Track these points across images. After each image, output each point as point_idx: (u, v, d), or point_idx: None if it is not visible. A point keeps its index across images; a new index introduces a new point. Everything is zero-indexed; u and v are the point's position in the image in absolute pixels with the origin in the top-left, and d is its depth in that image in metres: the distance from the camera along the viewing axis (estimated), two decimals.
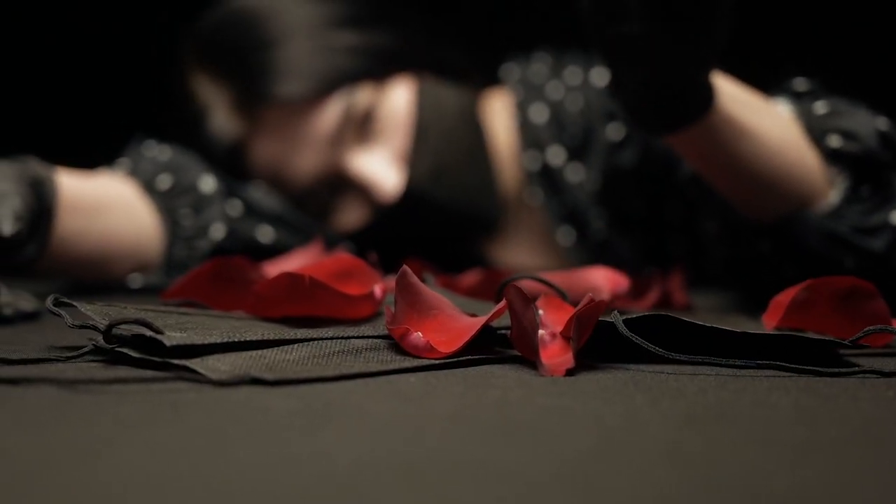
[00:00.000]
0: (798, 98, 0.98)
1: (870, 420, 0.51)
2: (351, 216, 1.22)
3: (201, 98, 1.22)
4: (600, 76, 1.23)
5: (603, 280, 0.84)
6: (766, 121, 0.90)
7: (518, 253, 1.29)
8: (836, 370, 0.62)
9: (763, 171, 0.90)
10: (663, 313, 0.66)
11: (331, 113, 1.18)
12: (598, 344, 0.66)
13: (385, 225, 1.20)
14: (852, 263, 0.92)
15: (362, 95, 1.19)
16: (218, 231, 1.12)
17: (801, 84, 0.99)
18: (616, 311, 0.66)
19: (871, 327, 0.67)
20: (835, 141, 0.93)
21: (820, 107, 0.95)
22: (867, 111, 0.96)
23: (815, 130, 0.93)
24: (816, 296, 0.72)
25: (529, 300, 0.63)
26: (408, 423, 0.49)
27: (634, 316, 0.66)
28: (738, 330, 0.66)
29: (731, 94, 0.88)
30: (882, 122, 0.94)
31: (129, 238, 1.08)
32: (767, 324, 0.74)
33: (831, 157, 0.93)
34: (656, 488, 0.40)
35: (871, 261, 0.92)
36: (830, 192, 0.93)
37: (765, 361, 0.63)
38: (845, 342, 0.67)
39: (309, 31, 1.20)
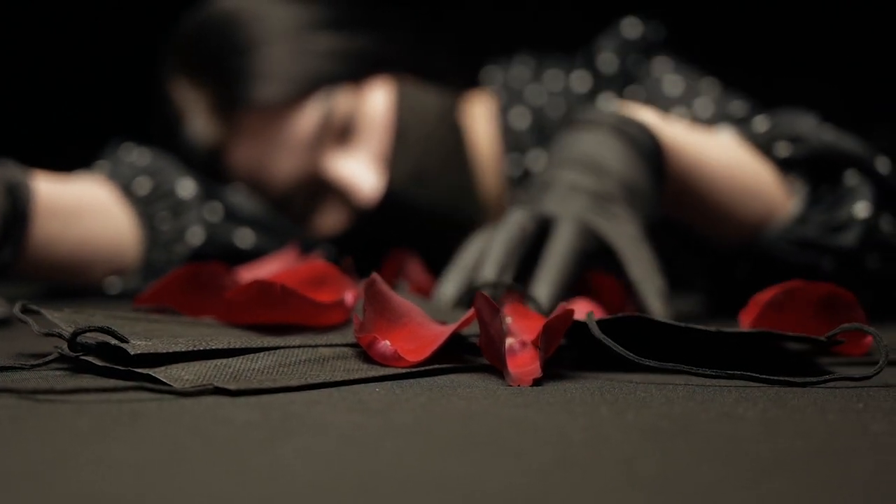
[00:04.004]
0: (738, 123, 1.00)
1: (836, 433, 0.50)
2: (331, 220, 1.21)
3: (181, 101, 1.21)
4: (581, 81, 1.23)
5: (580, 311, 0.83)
6: (714, 151, 0.92)
7: None
8: (807, 380, 0.61)
9: (725, 192, 0.92)
10: (637, 315, 0.66)
11: (309, 116, 1.17)
12: (571, 347, 0.66)
13: (365, 228, 1.20)
14: (829, 265, 0.92)
15: (341, 98, 1.18)
16: (195, 235, 1.11)
17: (737, 109, 1.01)
18: (591, 313, 0.65)
19: (846, 325, 0.66)
20: (783, 149, 0.94)
21: (759, 124, 0.97)
22: (805, 113, 0.98)
23: (763, 145, 0.95)
24: (795, 300, 0.72)
25: (497, 309, 0.62)
26: (367, 436, 0.48)
27: (608, 318, 0.65)
28: (713, 329, 0.65)
29: (674, 140, 0.88)
30: (825, 127, 0.96)
31: (107, 242, 1.08)
32: (743, 321, 0.73)
33: (784, 165, 0.94)
34: None
35: (846, 258, 0.92)
36: (792, 199, 0.94)
37: (736, 372, 0.62)
38: (821, 339, 0.66)
39: (287, 35, 1.20)
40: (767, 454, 0.46)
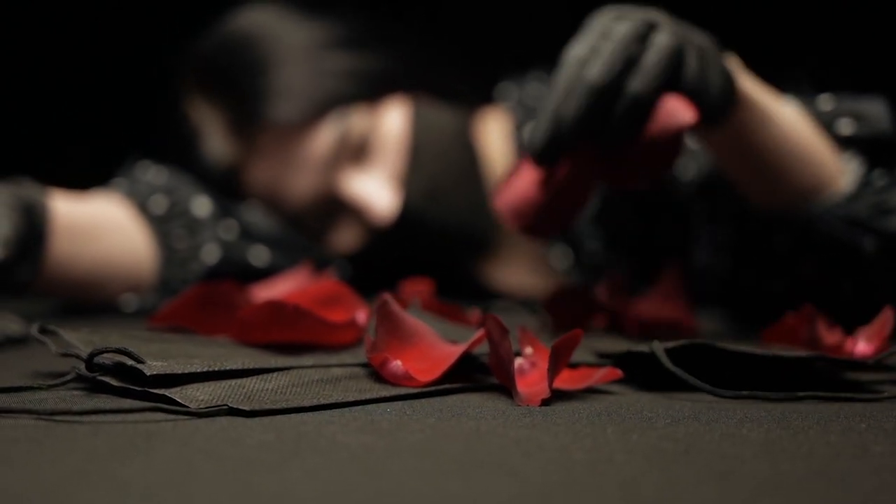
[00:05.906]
0: (801, 96, 1.00)
1: (838, 454, 0.51)
2: (347, 238, 1.22)
3: (197, 120, 1.23)
4: None
5: (675, 106, 0.82)
6: (780, 112, 0.91)
7: (512, 273, 1.29)
8: (868, 396, 0.65)
9: (785, 154, 0.91)
10: (699, 342, 0.67)
11: (324, 136, 1.19)
12: (637, 370, 0.68)
13: (381, 247, 1.21)
14: (872, 246, 0.92)
15: (356, 118, 1.20)
16: (211, 253, 1.13)
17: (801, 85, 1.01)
18: (657, 341, 0.67)
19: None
20: (845, 126, 0.94)
21: (824, 102, 0.97)
22: (872, 97, 0.98)
23: (825, 119, 0.95)
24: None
25: (506, 329, 0.63)
26: (374, 457, 0.49)
27: (672, 345, 0.67)
28: (770, 353, 0.68)
29: (749, 88, 0.89)
30: (888, 111, 0.96)
31: (124, 261, 1.09)
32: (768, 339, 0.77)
33: (844, 142, 0.94)
34: None
35: (890, 242, 0.93)
36: (845, 175, 0.94)
37: (805, 393, 0.64)
38: (869, 362, 0.68)
39: (303, 54, 1.21)
40: (768, 475, 0.46)
